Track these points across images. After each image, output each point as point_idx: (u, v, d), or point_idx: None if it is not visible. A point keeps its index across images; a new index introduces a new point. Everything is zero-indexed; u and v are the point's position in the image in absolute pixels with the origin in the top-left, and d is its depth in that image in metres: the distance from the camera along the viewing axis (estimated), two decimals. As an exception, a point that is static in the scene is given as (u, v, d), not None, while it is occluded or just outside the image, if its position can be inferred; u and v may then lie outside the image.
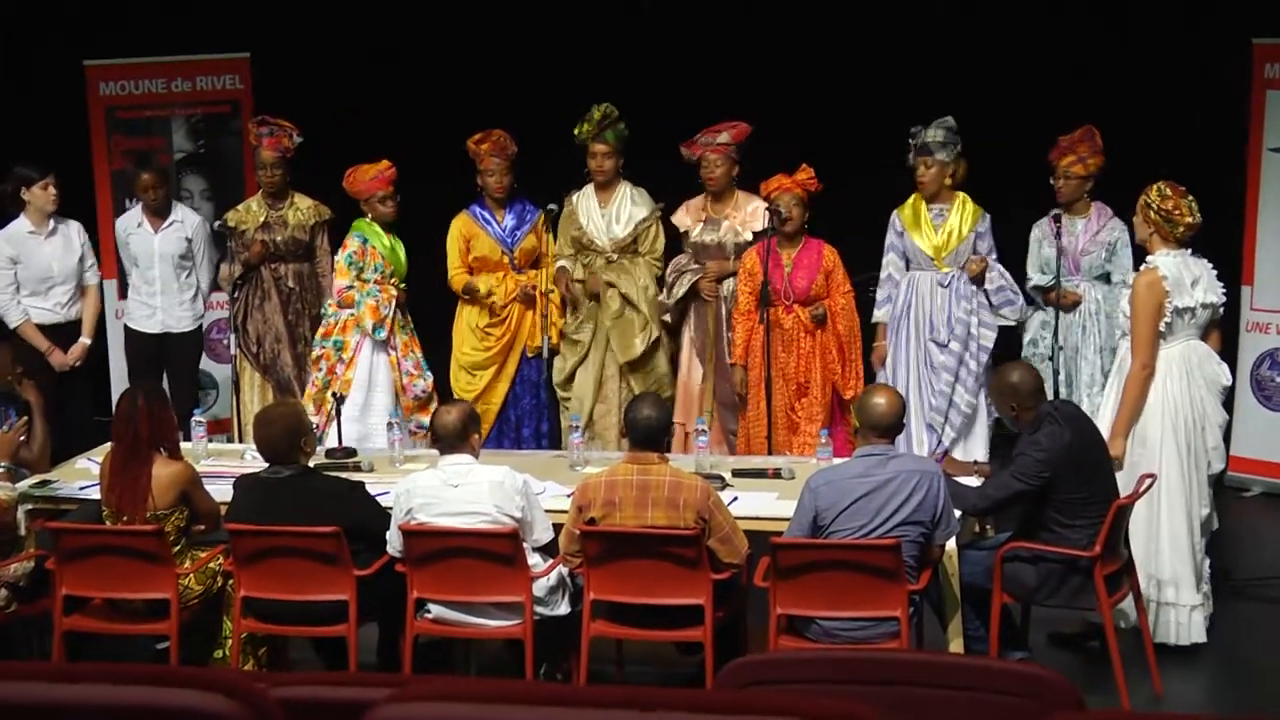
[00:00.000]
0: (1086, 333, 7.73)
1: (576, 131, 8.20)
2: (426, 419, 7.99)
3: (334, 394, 7.77)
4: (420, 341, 8.29)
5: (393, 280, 8.19)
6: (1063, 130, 7.82)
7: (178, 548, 6.20)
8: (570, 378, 8.40)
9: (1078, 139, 7.72)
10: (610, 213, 8.30)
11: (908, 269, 7.84)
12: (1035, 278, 7.87)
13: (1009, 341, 7.90)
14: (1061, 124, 7.90)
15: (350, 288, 8.12)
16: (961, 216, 7.71)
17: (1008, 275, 7.68)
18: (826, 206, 7.91)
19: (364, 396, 8.10)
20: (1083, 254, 7.76)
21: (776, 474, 6.71)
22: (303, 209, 8.47)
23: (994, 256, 7.72)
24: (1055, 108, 8.65)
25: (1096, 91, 8.78)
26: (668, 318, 8.25)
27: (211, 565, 6.27)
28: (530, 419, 8.46)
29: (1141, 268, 6.69)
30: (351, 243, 8.17)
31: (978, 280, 7.66)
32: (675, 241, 8.31)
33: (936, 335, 7.73)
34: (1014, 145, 8.14)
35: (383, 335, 8.11)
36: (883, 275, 7.93)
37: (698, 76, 9.26)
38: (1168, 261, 6.53)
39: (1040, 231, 7.84)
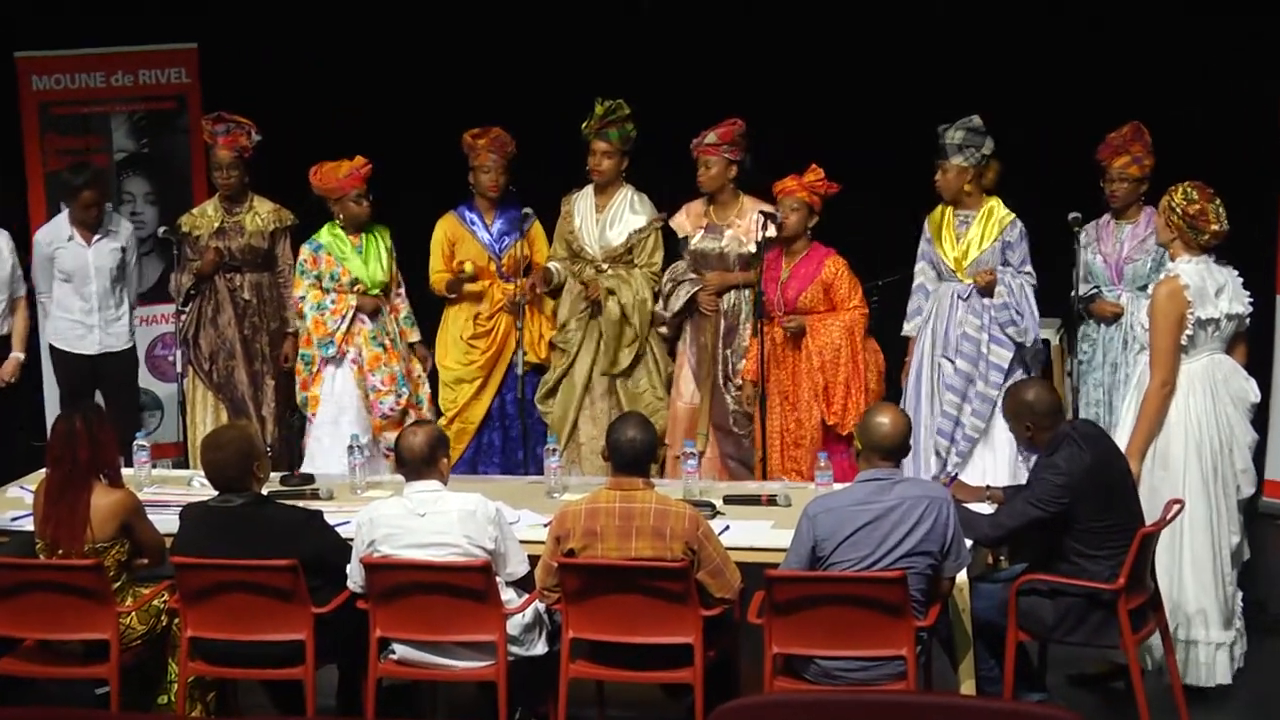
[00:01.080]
0: (1128, 348, 7.64)
1: (583, 127, 8.20)
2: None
3: (293, 414, 7.73)
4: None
5: (356, 288, 8.18)
6: (1082, 126, 7.80)
7: (118, 584, 6.17)
8: (552, 392, 8.38)
9: (1129, 137, 7.66)
10: (605, 218, 8.28)
11: (940, 279, 7.83)
12: (1081, 287, 7.78)
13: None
14: (1078, 119, 7.89)
15: (302, 298, 8.18)
16: (986, 225, 7.68)
17: (1020, 291, 7.58)
18: (841, 212, 7.93)
19: (334, 416, 8.14)
20: (1126, 261, 7.71)
21: (771, 501, 6.72)
22: (262, 214, 8.48)
23: (1027, 268, 7.66)
24: (1070, 103, 8.69)
25: (1111, 86, 8.81)
26: (664, 330, 8.24)
27: (155, 603, 6.23)
28: (523, 444, 8.43)
29: (1161, 275, 6.70)
30: (303, 251, 8.21)
31: (986, 293, 7.64)
32: (675, 248, 8.31)
33: (947, 351, 7.72)
34: (1030, 144, 8.13)
35: (331, 351, 8.13)
36: (915, 284, 7.92)
37: (700, 76, 9.26)
38: (1189, 269, 6.54)
39: (1085, 237, 7.77)
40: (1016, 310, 7.55)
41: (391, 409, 8.19)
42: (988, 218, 7.68)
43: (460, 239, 8.39)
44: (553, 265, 8.36)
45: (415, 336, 8.37)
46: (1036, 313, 7.61)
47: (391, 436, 7.99)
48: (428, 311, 8.55)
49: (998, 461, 7.63)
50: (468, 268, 8.30)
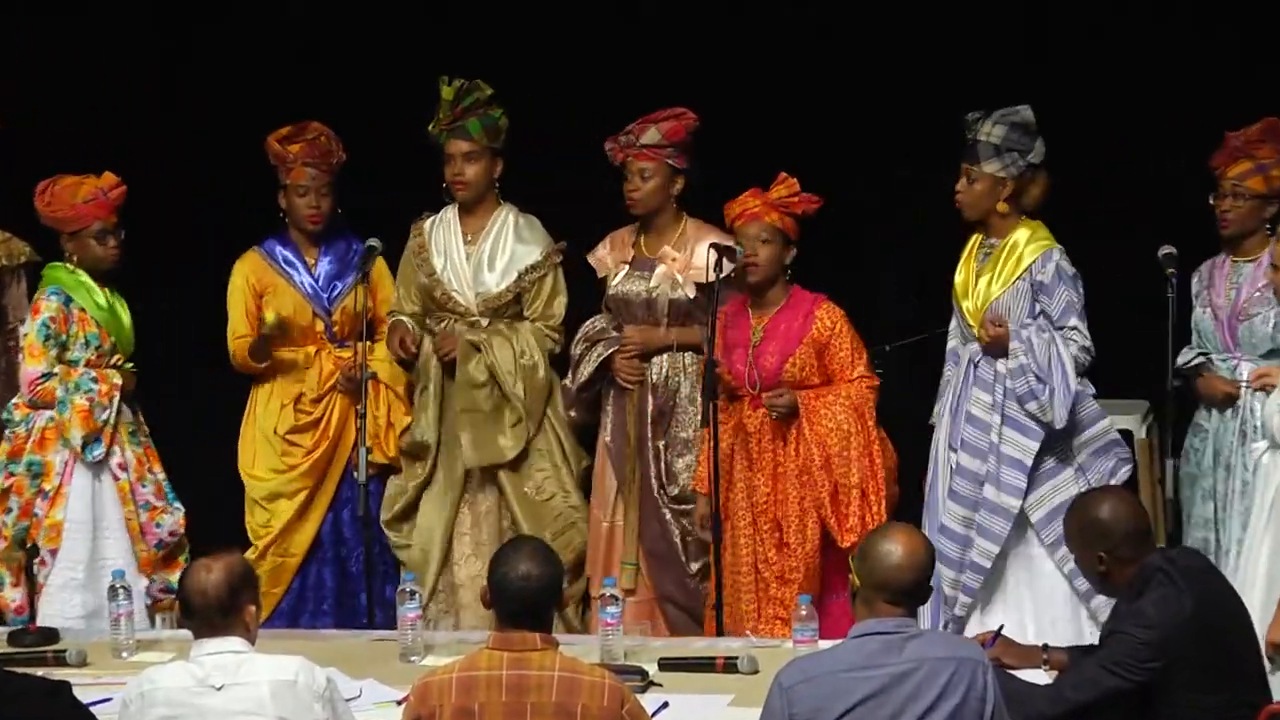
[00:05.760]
0: (1247, 443, 7.69)
1: (431, 126, 8.26)
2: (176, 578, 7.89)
3: (27, 546, 7.65)
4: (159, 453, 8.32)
5: (115, 359, 8.17)
6: (1153, 130, 8.10)
7: None
8: (410, 511, 8.36)
9: (1257, 138, 7.80)
10: (481, 251, 8.36)
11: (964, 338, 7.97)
12: (1183, 354, 7.86)
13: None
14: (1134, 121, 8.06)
15: (48, 376, 8.12)
16: (1005, 257, 7.68)
17: (1047, 349, 7.60)
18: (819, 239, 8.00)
19: (89, 549, 8.13)
20: (1242, 316, 7.79)
21: (730, 666, 6.69)
22: (-15, 246, 8.54)
23: (1073, 318, 7.69)
24: (1132, 100, 9.00)
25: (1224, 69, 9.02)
26: (573, 413, 8.29)
27: None
28: (365, 582, 8.42)
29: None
30: (45, 305, 8.18)
31: (997, 353, 7.66)
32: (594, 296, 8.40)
33: (953, 441, 7.81)
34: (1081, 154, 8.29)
35: (98, 454, 8.13)
36: (948, 346, 8.01)
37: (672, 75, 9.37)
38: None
39: (1198, 283, 7.89)
40: (1037, 374, 7.58)
41: (172, 533, 8.19)
42: (1014, 248, 7.78)
43: (271, 287, 8.41)
44: (404, 319, 8.35)
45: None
46: (1072, 384, 7.60)
47: (169, 574, 7.95)
48: (227, 391, 8.57)
49: (1037, 605, 7.71)
50: (269, 316, 8.27)
